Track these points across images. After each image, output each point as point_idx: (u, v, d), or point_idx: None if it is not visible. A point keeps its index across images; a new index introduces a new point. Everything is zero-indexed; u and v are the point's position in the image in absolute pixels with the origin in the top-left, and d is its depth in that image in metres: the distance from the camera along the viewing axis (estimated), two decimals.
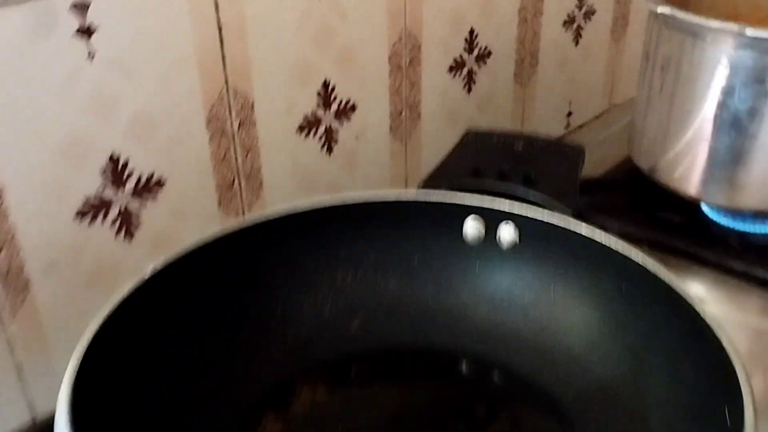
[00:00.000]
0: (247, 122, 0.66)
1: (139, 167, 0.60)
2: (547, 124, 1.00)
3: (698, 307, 0.37)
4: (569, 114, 1.05)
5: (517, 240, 0.47)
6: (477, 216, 0.47)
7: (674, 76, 0.61)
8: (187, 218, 0.65)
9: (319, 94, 0.71)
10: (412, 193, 0.49)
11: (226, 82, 0.63)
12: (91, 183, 0.58)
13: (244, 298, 0.46)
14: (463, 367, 0.47)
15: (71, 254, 0.58)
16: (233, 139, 0.66)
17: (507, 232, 0.47)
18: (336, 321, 0.48)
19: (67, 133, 0.55)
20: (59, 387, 0.60)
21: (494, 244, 0.47)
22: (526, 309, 0.46)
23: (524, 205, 0.46)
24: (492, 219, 0.47)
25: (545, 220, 0.45)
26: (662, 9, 0.59)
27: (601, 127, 0.98)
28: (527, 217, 0.45)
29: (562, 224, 0.44)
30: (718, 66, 0.58)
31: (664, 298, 0.39)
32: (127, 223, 0.61)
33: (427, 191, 0.48)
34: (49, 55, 0.52)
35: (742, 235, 0.64)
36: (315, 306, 0.48)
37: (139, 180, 0.60)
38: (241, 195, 0.68)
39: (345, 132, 0.75)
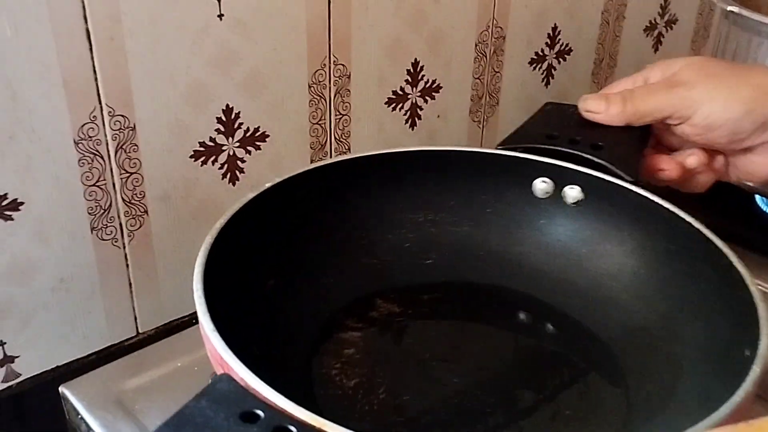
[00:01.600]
0: (343, 90, 0.73)
1: (248, 120, 0.68)
2: None
3: (735, 262, 0.42)
4: None
5: (581, 198, 0.53)
6: (545, 174, 0.54)
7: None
8: (283, 172, 0.72)
9: (408, 71, 0.77)
10: (490, 149, 0.56)
11: (329, 51, 0.70)
12: (207, 128, 0.65)
13: (340, 221, 0.54)
14: (520, 306, 0.54)
15: (184, 189, 0.66)
16: (330, 104, 0.73)
17: (572, 191, 0.54)
18: (414, 253, 0.55)
19: (193, 82, 0.62)
20: (161, 308, 0.68)
21: (559, 201, 0.53)
22: (581, 260, 0.52)
23: (588, 168, 0.52)
24: (559, 178, 0.53)
25: (606, 183, 0.51)
26: (731, 7, 0.63)
27: None
28: (591, 177, 0.52)
29: (620, 188, 0.50)
30: None
31: (705, 256, 0.44)
32: (232, 168, 0.68)
33: (505, 149, 0.54)
34: (186, 11, 0.60)
35: None
36: (398, 238, 0.56)
37: (247, 131, 0.68)
38: (330, 155, 0.75)
39: (428, 110, 0.81)
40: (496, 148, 0.56)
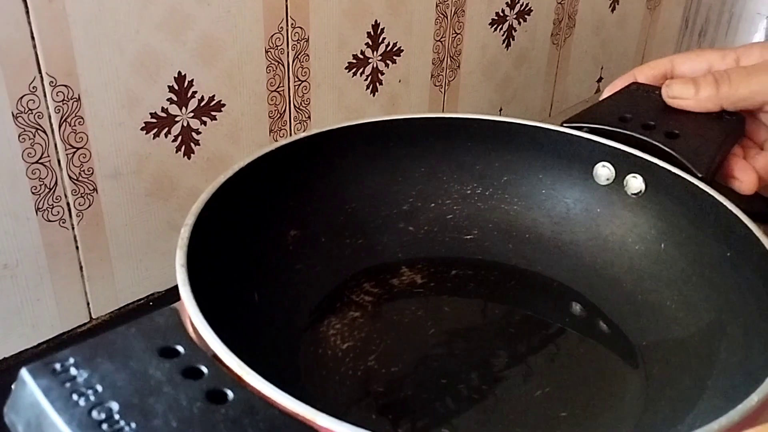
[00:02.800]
0: (301, 55, 0.69)
1: (202, 88, 0.63)
2: (577, 86, 1.03)
3: None
4: (599, 79, 1.08)
5: (642, 189, 0.49)
6: (609, 159, 0.50)
7: (711, 42, 0.64)
8: (240, 142, 0.68)
9: (369, 34, 0.74)
10: (554, 126, 0.52)
11: (287, 14, 0.66)
12: (158, 98, 0.61)
13: (383, 182, 0.52)
14: (558, 298, 0.50)
15: (136, 164, 0.62)
16: (288, 70, 0.69)
17: (634, 181, 0.50)
18: (455, 226, 0.52)
19: (141, 48, 0.58)
20: (116, 292, 0.64)
21: (620, 190, 0.50)
22: (633, 257, 0.48)
23: (656, 158, 0.48)
24: (623, 165, 0.49)
25: (672, 176, 0.47)
26: None
27: None
28: (656, 168, 0.48)
29: (687, 183, 0.46)
30: (755, 35, 0.60)
31: (761, 270, 0.40)
32: (187, 141, 0.64)
33: (570, 127, 0.51)
34: None
35: None
36: (442, 208, 0.52)
37: (201, 100, 0.64)
38: (290, 124, 0.72)
39: (390, 75, 0.78)
40: (562, 125, 0.52)
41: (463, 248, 0.51)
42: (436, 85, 0.84)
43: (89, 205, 0.60)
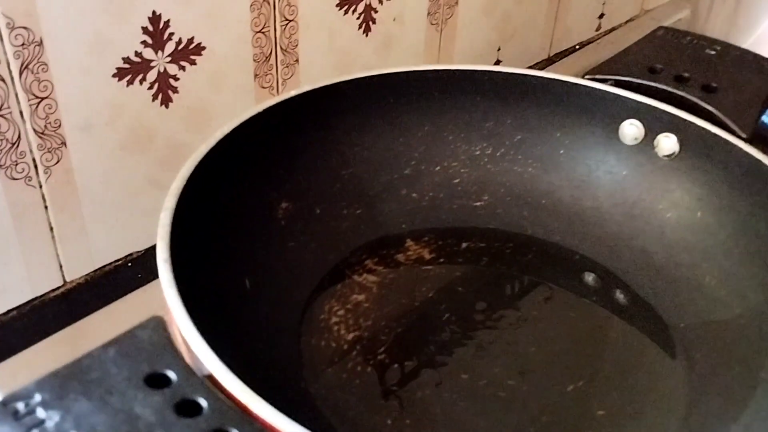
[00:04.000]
0: None
1: (180, 29, 0.58)
2: (579, 23, 0.98)
3: None
4: (601, 15, 1.03)
5: (676, 151, 0.45)
6: (638, 116, 0.45)
7: None
8: (222, 89, 0.63)
9: None
10: (575, 78, 0.47)
11: None
12: (131, 41, 0.56)
13: (382, 142, 0.47)
14: (581, 272, 0.46)
15: (108, 115, 0.57)
16: (274, 8, 0.64)
17: (666, 141, 0.45)
18: (464, 192, 0.48)
19: None
20: (90, 252, 0.60)
21: (650, 151, 0.45)
22: (664, 227, 0.44)
23: (692, 115, 0.43)
24: (653, 122, 0.45)
25: (711, 136, 0.42)
26: None
27: (632, 31, 0.96)
28: (692, 126, 0.43)
29: (728, 144, 0.42)
30: None
31: None
32: (164, 88, 0.59)
33: (593, 79, 0.45)
34: None
35: None
36: (448, 171, 0.48)
37: (179, 43, 0.58)
38: (276, 69, 0.67)
39: (383, 12, 0.73)
40: (584, 77, 0.46)
41: (474, 217, 0.47)
42: (432, 24, 0.79)
43: (58, 161, 0.56)
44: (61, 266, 0.60)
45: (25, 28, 0.50)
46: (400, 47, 0.77)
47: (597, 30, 1.02)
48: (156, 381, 0.23)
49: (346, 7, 0.69)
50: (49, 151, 0.55)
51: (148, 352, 0.24)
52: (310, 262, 0.41)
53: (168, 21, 0.57)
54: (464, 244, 0.46)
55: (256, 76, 0.65)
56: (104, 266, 0.62)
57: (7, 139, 0.52)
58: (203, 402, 0.23)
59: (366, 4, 0.71)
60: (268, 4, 0.63)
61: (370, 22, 0.72)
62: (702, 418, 0.34)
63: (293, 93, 0.43)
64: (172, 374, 0.23)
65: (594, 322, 0.43)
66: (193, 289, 0.30)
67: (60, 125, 0.54)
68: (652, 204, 0.45)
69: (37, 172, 0.55)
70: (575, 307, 0.44)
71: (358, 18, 0.71)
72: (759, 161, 0.40)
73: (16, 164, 0.53)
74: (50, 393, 0.22)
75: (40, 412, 0.21)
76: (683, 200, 0.44)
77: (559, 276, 0.45)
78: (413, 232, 0.46)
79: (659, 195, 0.45)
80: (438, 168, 0.48)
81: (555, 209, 0.47)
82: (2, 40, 0.49)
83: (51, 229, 0.58)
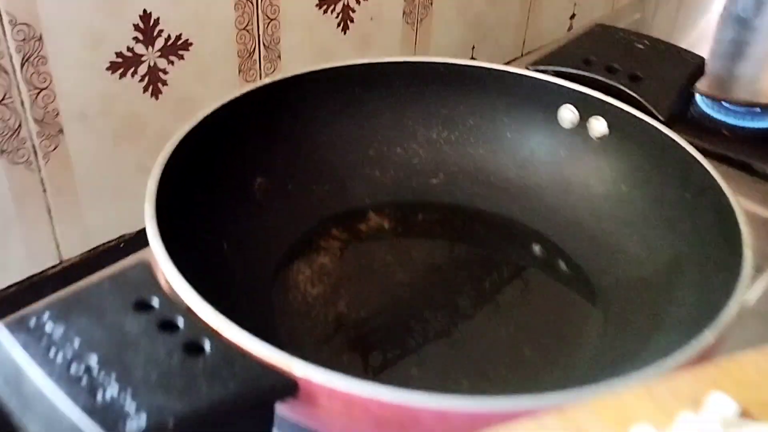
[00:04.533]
0: None
1: (169, 26, 0.62)
2: (551, 23, 1.02)
3: (741, 223, 0.39)
4: (572, 16, 1.07)
5: (606, 133, 0.50)
6: (573, 102, 0.50)
7: None
8: (209, 82, 0.67)
9: None
10: (519, 69, 0.52)
11: None
12: (124, 37, 0.59)
13: (348, 125, 0.52)
14: (521, 239, 0.51)
15: (102, 105, 0.61)
16: (257, 7, 0.68)
17: (597, 124, 0.50)
18: (422, 170, 0.53)
19: None
20: (85, 234, 0.64)
21: (584, 133, 0.50)
22: (595, 200, 0.49)
23: (619, 101, 0.49)
24: (586, 108, 0.50)
25: (634, 119, 0.48)
26: None
27: None
28: (619, 111, 0.48)
29: (649, 126, 0.47)
30: None
31: (717, 211, 0.41)
32: (154, 81, 0.63)
33: (535, 70, 0.51)
34: None
35: (732, 128, 0.68)
36: (408, 152, 0.53)
37: (168, 39, 0.62)
38: (260, 64, 0.71)
39: (361, 12, 0.77)
40: (527, 68, 0.52)
41: (430, 192, 0.52)
42: (408, 23, 0.83)
43: (55, 147, 0.59)
44: (58, 245, 0.63)
45: (26, 24, 0.53)
46: (377, 45, 0.81)
47: (569, 30, 1.06)
48: (142, 306, 0.28)
49: (325, 6, 0.73)
50: (48, 138, 0.59)
51: (136, 285, 0.29)
52: (281, 230, 0.47)
53: (158, 18, 0.61)
54: (420, 216, 0.51)
55: (240, 70, 0.69)
56: (98, 246, 0.66)
57: (9, 127, 0.56)
58: (180, 322, 0.28)
59: (344, 4, 0.75)
60: (251, 3, 0.67)
61: (348, 21, 0.77)
62: (612, 356, 0.40)
63: (268, 80, 0.48)
64: (155, 302, 0.28)
65: (529, 282, 0.49)
66: (175, 244, 0.35)
67: (58, 114, 0.58)
68: (586, 180, 0.50)
69: (36, 158, 0.58)
70: (513, 268, 0.49)
71: (337, 17, 0.75)
72: (672, 140, 0.45)
73: (18, 150, 0.57)
74: (56, 312, 0.27)
75: (49, 326, 0.26)
76: (611, 176, 0.49)
77: (502, 242, 0.51)
78: (375, 206, 0.51)
79: (591, 172, 0.50)
80: (399, 149, 0.53)
81: (502, 186, 0.52)
82: (5, 35, 0.53)
83: (49, 210, 0.61)
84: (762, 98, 0.65)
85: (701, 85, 0.66)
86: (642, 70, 0.49)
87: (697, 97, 0.69)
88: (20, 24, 0.53)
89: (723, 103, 0.68)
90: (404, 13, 0.82)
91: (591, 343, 0.42)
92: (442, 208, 0.51)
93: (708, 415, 0.27)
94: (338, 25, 0.76)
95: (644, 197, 0.47)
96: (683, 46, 0.64)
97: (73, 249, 0.64)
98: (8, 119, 0.55)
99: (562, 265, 0.48)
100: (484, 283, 0.46)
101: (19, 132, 0.57)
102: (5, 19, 0.52)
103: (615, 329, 0.41)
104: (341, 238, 0.49)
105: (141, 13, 0.60)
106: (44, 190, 0.60)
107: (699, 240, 0.39)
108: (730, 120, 0.69)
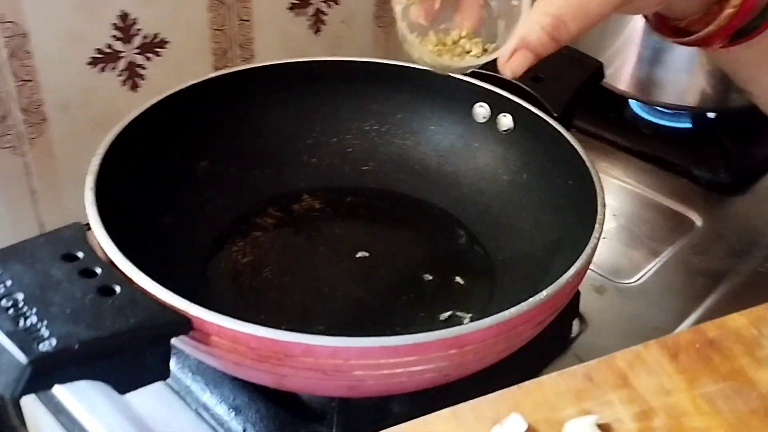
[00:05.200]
0: None
1: (146, 26, 0.67)
2: None
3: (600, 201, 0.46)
4: None
5: (511, 127, 0.56)
6: (485, 100, 0.56)
7: None
8: (184, 78, 0.72)
9: None
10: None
11: None
12: (103, 35, 0.65)
13: (288, 119, 0.58)
14: (436, 220, 0.57)
15: (83, 97, 0.66)
16: (230, 9, 0.73)
17: (504, 119, 0.56)
18: (355, 159, 0.59)
19: None
20: (66, 215, 0.68)
21: (494, 127, 0.56)
22: (501, 186, 0.55)
23: (522, 99, 0.54)
24: (496, 105, 0.56)
25: (533, 115, 0.53)
26: None
27: None
28: (520, 107, 0.54)
29: (544, 121, 0.52)
30: None
31: (591, 198, 0.46)
32: (132, 75, 0.69)
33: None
34: None
35: (660, 127, 0.74)
36: (343, 143, 0.59)
37: (145, 37, 0.68)
38: (235, 63, 0.76)
39: (333, 15, 0.81)
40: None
41: (360, 178, 0.58)
42: (380, 26, 0.87)
43: (40, 135, 0.65)
44: (40, 225, 0.69)
45: (12, 22, 0.59)
46: (349, 47, 0.86)
47: None
48: (69, 258, 0.34)
49: (298, 9, 0.79)
50: (33, 126, 0.64)
51: (66, 241, 0.35)
52: (222, 208, 0.53)
53: (135, 19, 0.67)
54: (349, 199, 0.57)
55: (216, 68, 0.74)
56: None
57: None
58: (98, 270, 0.34)
59: (316, 8, 0.80)
60: (224, 5, 0.72)
61: (320, 24, 0.82)
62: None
63: (212, 75, 0.54)
64: (80, 255, 0.34)
65: (437, 254, 0.55)
66: (114, 211, 0.40)
67: (42, 104, 0.64)
68: (494, 169, 0.56)
69: (21, 144, 0.64)
70: (427, 243, 0.56)
71: (309, 20, 0.80)
72: (561, 134, 0.51)
73: (4, 135, 0.63)
74: None
75: None
76: (516, 165, 0.55)
77: (418, 222, 0.57)
78: (310, 189, 0.57)
79: (499, 162, 0.56)
80: (334, 139, 0.59)
81: (424, 173, 0.58)
82: None
83: (32, 192, 0.67)
84: (688, 101, 0.70)
85: (631, 87, 0.72)
86: (544, 72, 0.55)
87: (631, 101, 0.75)
88: (7, 22, 0.59)
89: (655, 106, 0.74)
90: (375, 16, 0.86)
91: (481, 305, 0.48)
92: (370, 192, 0.57)
93: None
94: (310, 27, 0.81)
95: (539, 184, 0.53)
96: (609, 52, 0.70)
97: (55, 227, 0.70)
98: None
99: (467, 241, 0.55)
100: (397, 259, 0.53)
101: (5, 119, 0.62)
102: None
103: (500, 295, 0.47)
104: (275, 216, 0.55)
105: (119, 14, 0.65)
106: (28, 174, 0.66)
107: (576, 222, 0.45)
108: (659, 121, 0.74)
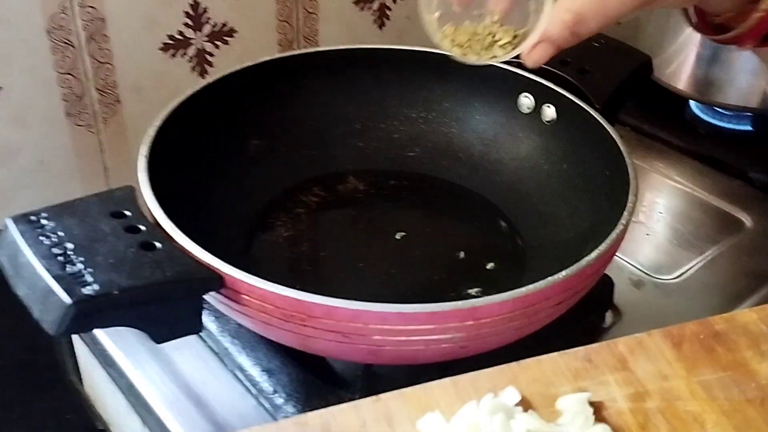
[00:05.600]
0: None
1: (215, 15, 0.71)
2: None
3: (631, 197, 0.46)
4: None
5: (554, 118, 0.57)
6: (530, 90, 0.57)
7: None
8: None
9: None
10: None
11: None
12: (175, 22, 0.69)
13: (338, 103, 0.60)
14: (476, 207, 0.58)
15: (155, 81, 0.70)
16: (297, 1, 0.76)
17: (548, 110, 0.57)
18: (401, 144, 0.60)
19: None
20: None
21: (538, 117, 0.57)
22: (541, 175, 0.56)
23: (566, 90, 0.55)
24: (540, 95, 0.56)
25: (576, 106, 0.54)
26: None
27: None
28: (564, 98, 0.55)
29: (585, 112, 0.53)
30: None
31: (624, 185, 0.47)
32: (201, 62, 0.72)
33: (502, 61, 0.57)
34: None
35: (719, 129, 0.73)
36: (390, 128, 0.61)
37: (214, 26, 0.71)
38: None
39: (397, 10, 0.84)
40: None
41: (405, 163, 0.59)
42: None
43: (113, 114, 0.69)
44: None
45: (92, 7, 0.63)
46: (412, 42, 0.87)
47: None
48: (117, 215, 0.37)
49: (362, 3, 0.81)
50: (107, 106, 0.69)
51: (117, 200, 0.38)
52: (269, 183, 0.55)
53: (206, 8, 0.70)
54: (392, 182, 0.59)
55: None
56: None
57: (75, 93, 0.66)
58: (142, 227, 0.37)
59: (381, 3, 0.82)
60: None
61: (385, 18, 0.84)
62: None
63: (266, 58, 0.57)
64: (128, 213, 0.37)
65: (472, 238, 0.56)
66: (165, 177, 0.43)
67: (116, 86, 0.68)
68: (537, 158, 0.57)
69: (96, 122, 0.69)
70: (464, 227, 0.57)
71: (374, 14, 0.83)
72: (603, 126, 0.51)
73: (80, 114, 0.67)
74: (51, 213, 0.36)
75: (44, 221, 0.35)
76: (556, 155, 0.56)
77: (457, 206, 0.58)
78: (355, 171, 0.58)
79: (542, 151, 0.57)
80: (382, 125, 0.60)
81: (467, 161, 0.59)
82: (74, 15, 0.63)
83: (105, 169, 0.71)
84: (751, 103, 0.69)
85: (690, 87, 0.71)
86: (590, 64, 0.55)
87: (691, 102, 0.74)
88: (87, 6, 0.63)
89: (715, 107, 0.73)
90: None
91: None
92: (413, 176, 0.59)
93: (486, 404, 0.33)
94: (375, 21, 0.83)
95: (578, 174, 0.53)
96: (668, 51, 0.69)
97: None
98: (74, 87, 0.66)
99: (505, 228, 0.56)
100: (435, 242, 0.54)
101: (82, 99, 0.67)
102: (75, 1, 0.62)
103: (530, 279, 0.48)
104: (320, 195, 0.57)
105: (191, 2, 0.69)
106: (102, 151, 0.70)
107: (610, 211, 0.45)
108: (718, 122, 0.73)
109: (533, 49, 0.41)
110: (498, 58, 0.42)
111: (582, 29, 0.40)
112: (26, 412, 0.66)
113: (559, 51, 0.41)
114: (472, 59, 0.43)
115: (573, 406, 0.33)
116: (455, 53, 0.43)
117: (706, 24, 0.45)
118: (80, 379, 0.57)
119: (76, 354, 0.56)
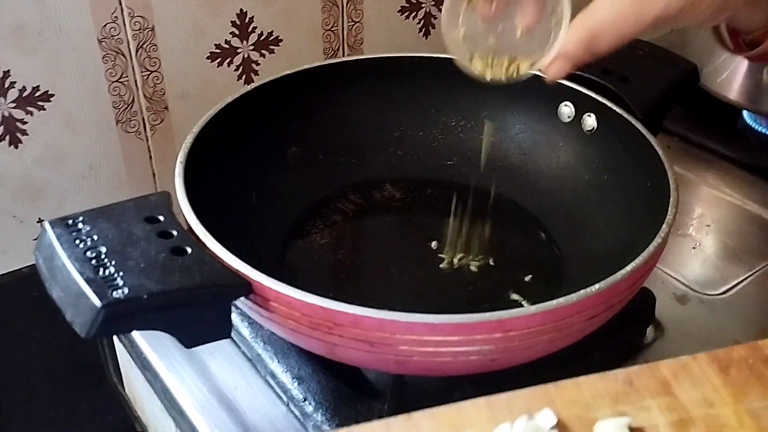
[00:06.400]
0: None
1: (262, 24, 0.72)
2: None
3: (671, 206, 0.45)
4: None
5: (595, 127, 0.56)
6: (571, 99, 0.57)
7: None
8: None
9: None
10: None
11: None
12: (222, 31, 0.70)
13: (376, 111, 0.60)
14: (513, 216, 0.58)
15: (201, 89, 0.72)
16: (342, 10, 0.76)
17: (589, 119, 0.56)
18: (439, 153, 0.60)
19: None
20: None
21: (578, 126, 0.56)
22: (579, 184, 0.56)
23: (607, 99, 0.54)
24: (580, 104, 0.56)
25: (617, 116, 0.53)
26: None
27: None
28: (605, 108, 0.54)
29: (627, 122, 0.52)
30: None
31: (663, 201, 0.46)
32: (247, 71, 0.74)
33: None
34: None
35: None
36: (428, 137, 0.61)
37: (260, 35, 0.72)
38: None
39: None
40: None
41: (443, 172, 0.59)
42: None
43: (161, 121, 0.71)
44: None
45: (141, 17, 0.65)
46: None
47: None
48: (151, 221, 0.38)
49: (408, 12, 0.81)
50: (155, 113, 0.70)
51: (151, 205, 0.38)
52: (306, 190, 0.56)
53: (252, 17, 0.71)
54: (429, 190, 0.59)
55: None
56: None
57: (124, 101, 0.68)
58: (175, 233, 0.37)
59: (426, 11, 0.82)
60: (337, 7, 0.76)
61: (430, 27, 0.84)
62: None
63: (306, 66, 0.57)
64: (161, 218, 0.38)
65: (509, 248, 0.56)
66: (201, 184, 0.44)
67: (164, 93, 0.70)
68: (576, 167, 0.56)
69: (145, 129, 0.70)
70: (501, 237, 0.56)
71: (419, 23, 0.83)
72: (644, 135, 0.50)
73: (130, 121, 0.69)
74: (87, 217, 0.37)
75: (79, 225, 0.36)
76: (596, 165, 0.55)
77: (495, 216, 0.57)
78: (392, 179, 0.59)
79: (582, 161, 0.56)
80: (420, 133, 0.60)
81: (506, 169, 0.59)
82: (125, 25, 0.65)
83: (153, 174, 0.73)
84: None
85: (741, 97, 0.69)
86: (631, 72, 0.54)
87: (744, 112, 0.72)
88: (137, 16, 0.65)
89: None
90: None
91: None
92: (450, 185, 0.58)
93: (520, 426, 0.32)
94: (419, 30, 0.83)
95: (618, 185, 0.52)
96: (718, 60, 0.67)
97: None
98: (124, 95, 0.67)
99: (543, 238, 0.55)
100: (471, 251, 0.53)
101: (131, 106, 0.68)
102: (125, 12, 0.64)
103: (566, 291, 0.47)
104: (356, 202, 0.57)
105: (238, 12, 0.70)
106: (150, 157, 0.72)
107: (650, 224, 0.44)
108: None
109: (551, 65, 0.43)
110: (519, 76, 0.43)
111: (597, 46, 0.41)
112: (70, 411, 0.68)
113: (577, 67, 0.43)
114: (495, 77, 0.45)
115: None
116: (477, 70, 0.46)
117: (738, 43, 0.45)
118: (121, 381, 0.58)
119: (117, 356, 0.57)
